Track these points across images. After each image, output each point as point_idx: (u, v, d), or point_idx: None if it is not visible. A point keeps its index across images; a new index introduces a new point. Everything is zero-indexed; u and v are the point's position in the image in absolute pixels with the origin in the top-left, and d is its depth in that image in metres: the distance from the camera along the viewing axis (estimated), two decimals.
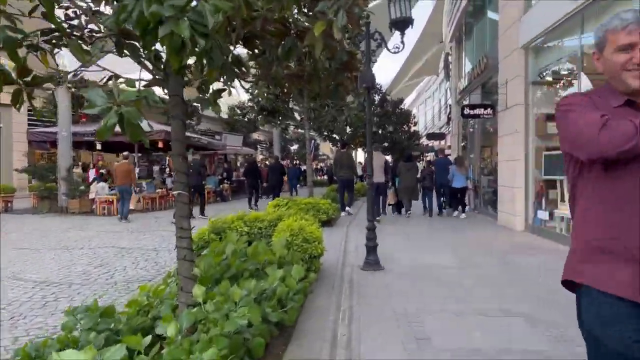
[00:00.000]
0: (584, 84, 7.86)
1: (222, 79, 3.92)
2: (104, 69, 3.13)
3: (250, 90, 12.09)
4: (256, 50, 3.90)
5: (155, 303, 3.74)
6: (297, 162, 40.50)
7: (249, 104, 12.82)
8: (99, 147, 17.76)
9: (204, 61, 2.91)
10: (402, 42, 6.25)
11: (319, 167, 48.47)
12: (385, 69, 75.77)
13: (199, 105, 3.65)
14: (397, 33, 6.33)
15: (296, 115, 14.01)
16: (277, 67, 3.68)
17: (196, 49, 2.14)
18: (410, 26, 6.21)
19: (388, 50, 6.35)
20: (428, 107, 49.06)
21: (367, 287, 5.43)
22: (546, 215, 9.14)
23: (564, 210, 8.60)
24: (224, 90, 3.65)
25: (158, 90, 3.48)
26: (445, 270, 6.23)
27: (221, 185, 20.17)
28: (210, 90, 3.57)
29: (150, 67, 3.23)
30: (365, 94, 6.56)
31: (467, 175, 13.10)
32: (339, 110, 11.20)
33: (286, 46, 3.23)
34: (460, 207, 12.95)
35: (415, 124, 37.82)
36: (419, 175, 13.23)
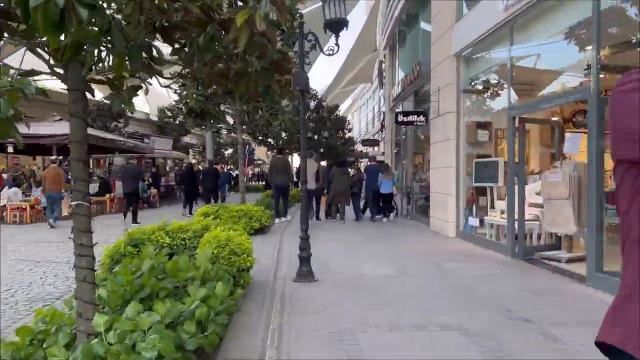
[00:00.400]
0: (513, 95, 8.04)
1: (138, 75, 3.49)
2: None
3: (178, 91, 11.47)
4: (177, 45, 3.50)
5: (52, 330, 3.22)
6: (230, 166, 39.63)
7: (177, 105, 12.13)
8: (10, 149, 16.27)
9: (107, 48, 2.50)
10: (337, 44, 6.04)
11: (255, 172, 47.79)
12: (321, 74, 76.26)
13: (111, 102, 3.20)
14: (333, 37, 6.13)
15: (229, 118, 13.49)
16: (199, 63, 3.30)
17: (85, 26, 1.74)
18: (345, 28, 6.01)
19: (322, 52, 6.12)
20: (363, 114, 49.81)
21: (299, 301, 5.11)
22: (477, 222, 9.27)
23: (493, 216, 8.74)
24: (139, 87, 3.23)
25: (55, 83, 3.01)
26: (380, 280, 6.04)
27: (148, 191, 19.16)
28: (125, 87, 3.14)
29: (47, 56, 2.76)
30: (300, 98, 6.30)
31: (394, 181, 13.48)
32: (273, 115, 10.85)
33: (207, 35, 2.86)
34: (388, 213, 13.41)
35: (350, 130, 38.22)
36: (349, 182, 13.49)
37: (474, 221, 9.37)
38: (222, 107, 11.65)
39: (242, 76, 3.59)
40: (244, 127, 11.48)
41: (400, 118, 11.18)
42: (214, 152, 28.95)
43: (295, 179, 15.11)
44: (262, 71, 3.51)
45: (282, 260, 7.33)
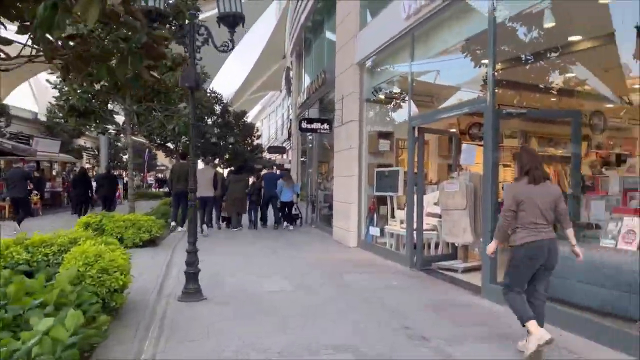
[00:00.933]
0: (414, 105, 8.05)
1: None
2: None
3: (58, 86, 10.26)
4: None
5: None
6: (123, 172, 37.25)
7: (58, 102, 10.82)
8: None
9: None
10: (232, 40, 5.57)
11: (158, 178, 45.51)
12: (230, 78, 74.90)
13: None
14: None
15: (119, 118, 12.41)
16: (44, 42, 2.68)
17: None
18: (241, 24, 5.57)
19: (216, 48, 5.61)
20: (272, 122, 49.54)
21: (182, 324, 4.53)
22: (377, 231, 9.19)
23: (393, 226, 8.69)
24: None
25: None
26: (277, 297, 5.61)
27: (30, 197, 17.18)
28: None
29: None
30: (190, 96, 5.73)
31: (294, 189, 13.41)
32: (168, 117, 10.06)
33: (47, 5, 2.28)
34: (291, 221, 13.36)
35: (259, 137, 37.66)
36: (248, 189, 13.34)
37: (374, 230, 9.29)
38: (110, 106, 10.63)
39: (104, 60, 3.02)
40: (134, 128, 10.52)
41: (304, 125, 10.92)
42: (110, 156, 26.96)
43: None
44: (131, 55, 2.96)
45: (170, 276, 6.66)
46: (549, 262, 3.78)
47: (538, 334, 3.56)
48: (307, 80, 16.63)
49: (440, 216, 7.90)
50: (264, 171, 16.10)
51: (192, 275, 5.44)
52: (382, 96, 9.92)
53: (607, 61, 7.85)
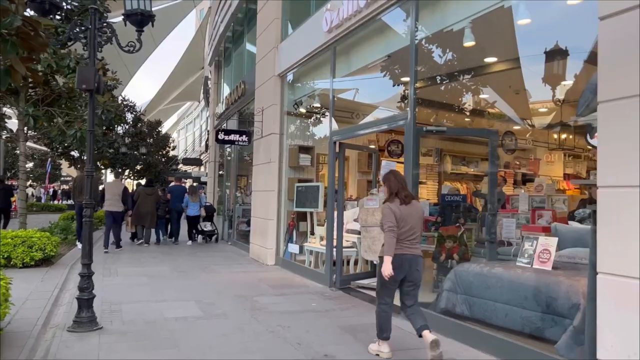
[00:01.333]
0: (335, 123, 7.88)
1: None
2: None
3: None
4: None
5: None
6: (31, 183, 34.22)
7: None
8: None
9: None
10: (139, 40, 5.05)
11: (62, 189, 42.48)
12: (145, 87, 71.95)
13: None
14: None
15: (12, 123, 11.17)
16: None
17: None
18: (151, 24, 5.09)
19: (120, 47, 5.06)
20: (189, 133, 47.99)
21: None
22: (297, 248, 8.87)
23: (313, 243, 8.43)
24: None
25: None
26: (182, 325, 5.07)
27: None
28: None
29: None
30: (89, 100, 5.10)
31: (201, 203, 13.22)
32: (69, 122, 9.12)
33: None
34: (194, 236, 13.33)
35: (174, 148, 36.18)
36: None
37: (293, 248, 8.97)
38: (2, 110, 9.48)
39: None
40: (27, 134, 9.45)
41: (221, 136, 10.41)
42: (7, 164, 24.52)
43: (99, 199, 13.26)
44: (2, 41, 2.43)
45: (61, 302, 5.89)
46: (411, 275, 4.15)
47: (387, 349, 4.17)
48: (226, 90, 16.11)
49: (359, 233, 7.76)
50: (185, 183, 15.49)
51: (85, 301, 4.78)
52: (303, 109, 9.71)
53: (516, 84, 8.20)
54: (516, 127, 11.12)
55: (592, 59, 6.80)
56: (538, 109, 9.91)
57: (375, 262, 7.58)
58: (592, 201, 7.48)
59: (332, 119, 7.53)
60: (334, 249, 7.32)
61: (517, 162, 13.73)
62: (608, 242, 3.09)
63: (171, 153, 34.16)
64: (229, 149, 16.40)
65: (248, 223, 12.20)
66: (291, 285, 7.54)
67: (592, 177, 3.79)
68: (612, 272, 3.05)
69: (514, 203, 8.83)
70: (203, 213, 13.32)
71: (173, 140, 36.80)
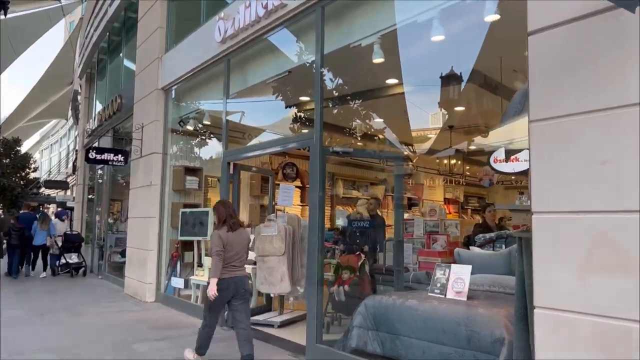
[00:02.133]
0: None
1: None
2: None
3: None
4: None
5: None
6: None
7: None
8: None
9: None
10: None
11: None
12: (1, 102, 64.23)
13: None
14: None
15: None
16: None
17: None
18: (3, 12, 4.07)
19: None
20: (54, 153, 43.46)
21: None
22: (181, 282, 7.89)
23: (201, 276, 7.53)
24: None
25: None
26: None
27: None
28: None
29: None
30: None
31: (50, 232, 12.05)
32: None
33: None
34: (45, 267, 12.18)
35: (35, 169, 32.34)
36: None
37: (177, 282, 7.97)
38: None
39: None
40: None
41: (93, 155, 9.07)
42: None
43: None
44: None
45: None
46: (239, 293, 4.55)
47: (192, 356, 4.66)
48: (99, 106, 14.52)
49: (254, 263, 7.07)
50: (48, 209, 13.63)
51: None
52: (190, 127, 8.84)
53: (401, 108, 8.12)
54: (406, 153, 11.33)
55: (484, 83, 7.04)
56: (426, 134, 10.13)
57: (272, 295, 6.95)
58: (487, 226, 7.69)
59: (226, 137, 6.82)
60: None
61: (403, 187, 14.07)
62: (548, 274, 2.82)
63: (32, 175, 30.43)
64: (100, 171, 14.73)
65: (123, 254, 10.83)
66: (176, 325, 6.57)
67: (517, 202, 3.61)
68: (554, 307, 2.78)
69: (409, 228, 8.80)
70: (48, 242, 12.00)
71: (35, 161, 32.92)
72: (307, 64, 5.53)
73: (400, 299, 4.51)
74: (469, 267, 4.42)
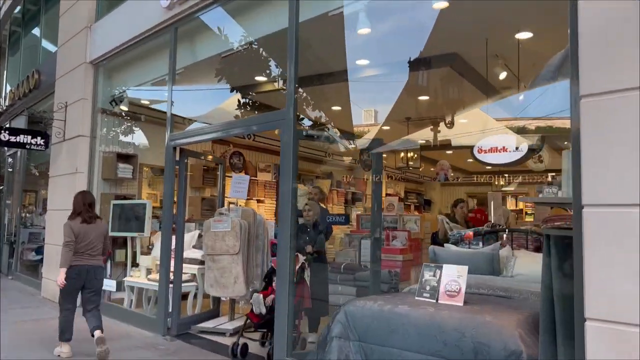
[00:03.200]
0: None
1: None
2: None
3: None
4: None
5: None
6: None
7: None
8: None
9: None
10: None
11: None
12: None
13: None
14: None
15: None
16: None
17: None
18: None
19: None
20: None
21: None
22: (112, 284, 6.86)
23: (136, 277, 6.57)
24: None
25: None
26: None
27: None
28: None
29: None
30: None
31: None
32: None
33: None
34: None
35: None
36: None
37: (108, 284, 6.90)
38: None
39: None
40: None
41: (5, 137, 7.71)
42: None
43: None
44: None
45: None
46: (90, 283, 4.75)
47: (67, 349, 4.74)
48: (11, 84, 12.79)
49: (201, 262, 6.24)
50: None
51: None
52: (124, 107, 7.76)
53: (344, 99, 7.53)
54: (352, 146, 10.83)
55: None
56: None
57: (223, 299, 6.17)
58: (456, 222, 7.33)
59: (171, 118, 5.91)
60: (170, 285, 5.67)
61: (347, 181, 13.70)
62: (605, 280, 2.34)
63: None
64: (10, 159, 13.03)
65: (38, 251, 9.50)
66: (108, 336, 5.58)
67: (540, 195, 3.18)
68: (612, 320, 2.30)
69: (364, 223, 8.33)
70: None
71: None
72: (275, 35, 4.80)
73: (388, 304, 3.91)
74: (465, 268, 3.91)
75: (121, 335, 5.63)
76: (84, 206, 4.79)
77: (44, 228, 9.17)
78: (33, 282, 9.01)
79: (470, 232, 5.51)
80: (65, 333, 4.71)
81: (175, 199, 5.91)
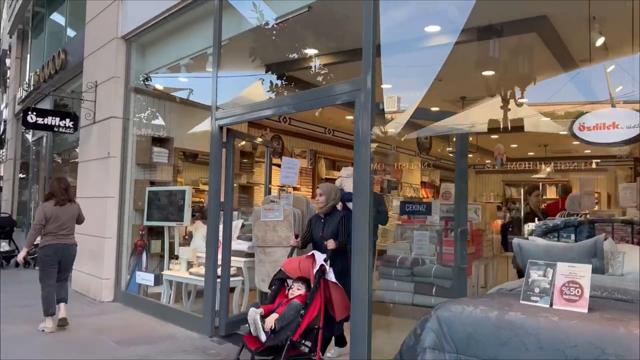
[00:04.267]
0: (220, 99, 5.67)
1: None
2: None
3: None
4: None
5: None
6: None
7: None
8: None
9: None
10: None
11: None
12: None
13: None
14: None
15: None
16: None
17: None
18: None
19: None
20: None
21: None
22: (150, 278, 6.33)
23: (176, 271, 6.02)
24: None
25: None
26: None
27: None
28: None
29: None
30: None
31: None
32: None
33: None
34: None
35: None
36: None
37: (145, 278, 6.40)
38: None
39: None
40: None
41: (33, 118, 7.17)
42: None
43: None
44: None
45: None
46: (63, 260, 5.22)
47: (51, 324, 5.06)
48: (35, 66, 12.35)
49: (247, 255, 5.66)
50: None
51: None
52: (160, 86, 7.17)
53: None
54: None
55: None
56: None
57: None
58: (532, 212, 6.65)
59: (215, 95, 5.29)
60: (218, 280, 5.10)
61: (382, 169, 13.04)
62: None
63: None
64: (34, 145, 12.65)
65: None
66: (150, 336, 5.06)
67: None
68: None
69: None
70: None
71: None
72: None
73: (494, 310, 3.27)
74: (588, 267, 3.25)
75: (165, 336, 5.09)
76: (59, 189, 5.19)
77: None
78: None
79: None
80: (50, 308, 5.06)
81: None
